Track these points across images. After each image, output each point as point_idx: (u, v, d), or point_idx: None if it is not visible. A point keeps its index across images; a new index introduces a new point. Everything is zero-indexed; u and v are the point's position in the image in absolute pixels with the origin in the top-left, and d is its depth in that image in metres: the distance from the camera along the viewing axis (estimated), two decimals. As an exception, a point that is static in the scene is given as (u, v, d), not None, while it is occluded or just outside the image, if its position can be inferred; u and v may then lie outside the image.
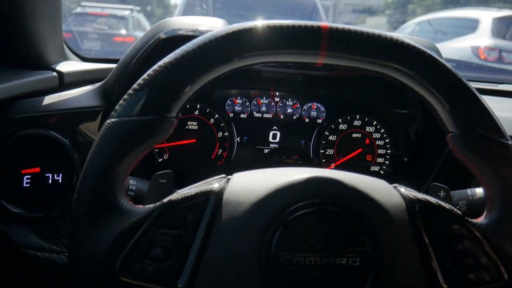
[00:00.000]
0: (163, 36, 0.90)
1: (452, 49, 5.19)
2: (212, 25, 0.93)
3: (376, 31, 0.56)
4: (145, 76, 0.54)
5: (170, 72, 0.53)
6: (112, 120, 0.53)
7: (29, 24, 0.96)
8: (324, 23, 0.55)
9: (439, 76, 0.56)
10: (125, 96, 0.54)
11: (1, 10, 0.93)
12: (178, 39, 0.89)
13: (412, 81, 0.56)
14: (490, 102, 1.24)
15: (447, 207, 0.56)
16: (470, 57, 4.92)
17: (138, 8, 7.63)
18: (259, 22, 0.55)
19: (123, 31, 6.24)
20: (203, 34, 0.55)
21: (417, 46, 0.56)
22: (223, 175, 0.58)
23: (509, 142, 0.57)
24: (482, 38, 5.06)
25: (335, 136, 1.12)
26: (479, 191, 0.82)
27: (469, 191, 0.82)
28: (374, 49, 0.55)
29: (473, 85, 1.38)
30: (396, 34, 0.62)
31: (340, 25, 0.55)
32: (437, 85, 0.56)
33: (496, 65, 4.88)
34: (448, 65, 0.57)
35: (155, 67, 0.54)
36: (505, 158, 0.56)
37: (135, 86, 0.54)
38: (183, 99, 0.54)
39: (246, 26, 0.54)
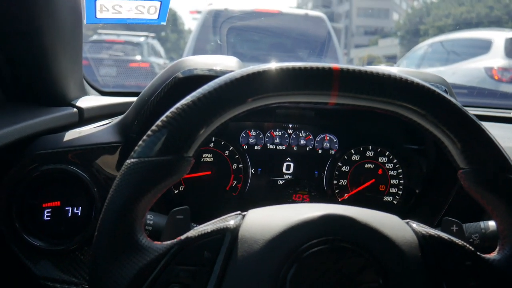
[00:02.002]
0: (180, 75, 0.93)
1: (465, 70, 5.16)
2: (227, 65, 0.96)
3: (387, 71, 0.58)
4: (163, 118, 0.56)
5: (187, 114, 0.55)
6: (132, 160, 0.55)
7: (51, 63, 1.00)
8: (336, 64, 0.57)
9: (449, 115, 0.57)
10: (144, 137, 0.56)
11: (24, 49, 0.98)
12: (194, 79, 0.92)
13: (423, 120, 0.58)
14: (503, 130, 1.25)
15: (460, 243, 0.56)
16: (484, 78, 4.87)
17: (152, 34, 7.74)
18: (272, 65, 0.57)
19: (138, 57, 6.33)
20: (218, 75, 0.57)
21: (427, 85, 0.58)
22: (239, 212, 0.59)
23: None
24: (496, 58, 5.02)
25: (348, 167, 1.13)
26: (492, 223, 0.82)
27: (482, 224, 0.82)
28: (385, 89, 0.57)
29: (485, 112, 1.38)
30: (402, 71, 0.63)
31: (350, 66, 0.57)
32: (448, 123, 0.57)
33: (511, 86, 4.83)
34: (458, 103, 0.58)
35: (173, 109, 0.56)
36: None
37: (153, 127, 0.56)
38: (200, 139, 0.56)
39: (259, 69, 0.56)
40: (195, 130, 0.55)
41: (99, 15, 0.99)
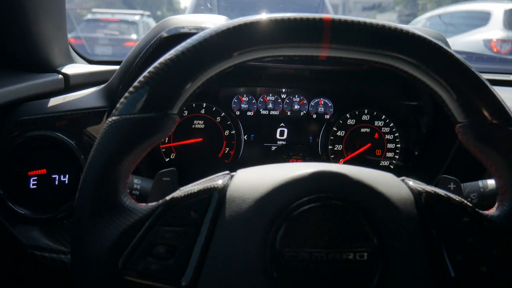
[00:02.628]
0: (165, 34, 0.90)
1: (464, 43, 5.15)
2: (215, 22, 0.93)
3: (380, 21, 0.55)
4: (145, 73, 0.53)
5: (170, 69, 0.52)
6: (113, 118, 0.53)
7: (34, 28, 0.97)
8: (327, 15, 0.54)
9: (444, 64, 0.54)
10: (126, 94, 0.53)
11: (5, 14, 0.94)
12: (180, 37, 0.89)
13: (417, 71, 0.55)
14: (503, 92, 1.23)
15: (457, 199, 0.54)
16: (482, 50, 4.86)
17: (148, 12, 7.69)
18: (260, 16, 0.54)
19: (134, 36, 6.30)
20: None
21: (421, 34, 0.55)
22: (227, 172, 0.57)
23: None
24: (494, 30, 5.01)
25: (344, 132, 1.11)
26: (491, 182, 0.80)
27: (480, 183, 0.80)
28: (377, 40, 0.54)
29: (485, 76, 1.36)
30: (400, 25, 0.60)
31: (342, 17, 0.54)
32: (443, 73, 0.54)
33: (509, 57, 4.83)
34: (454, 53, 0.55)
35: (156, 64, 0.53)
36: None
37: (135, 83, 0.53)
38: (185, 95, 0.54)
39: (246, 20, 0.53)
40: (180, 85, 0.53)
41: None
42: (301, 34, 0.53)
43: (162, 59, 0.53)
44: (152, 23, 7.46)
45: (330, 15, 0.54)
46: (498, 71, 1.53)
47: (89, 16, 5.79)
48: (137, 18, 6.65)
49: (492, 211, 0.56)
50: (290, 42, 0.54)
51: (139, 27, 6.60)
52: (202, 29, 0.88)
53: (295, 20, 0.53)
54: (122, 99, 0.53)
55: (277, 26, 0.53)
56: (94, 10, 6.15)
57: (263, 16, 0.54)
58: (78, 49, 1.26)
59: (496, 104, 0.55)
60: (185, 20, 0.94)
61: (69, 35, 1.17)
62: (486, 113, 0.55)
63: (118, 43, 5.71)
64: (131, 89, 0.53)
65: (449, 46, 0.96)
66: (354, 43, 0.54)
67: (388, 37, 0.54)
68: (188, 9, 4.76)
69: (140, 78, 0.53)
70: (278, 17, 0.54)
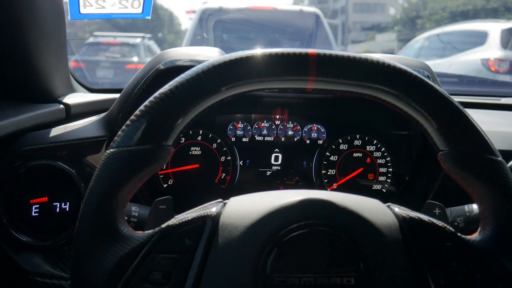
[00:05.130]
0: (161, 67, 0.94)
1: (462, 63, 5.16)
2: (208, 55, 0.96)
3: (364, 55, 0.58)
4: (141, 107, 0.56)
5: (164, 103, 0.55)
6: (112, 150, 0.55)
7: (36, 59, 1.00)
8: (312, 50, 0.57)
9: (424, 95, 0.57)
10: (123, 127, 0.56)
11: (7, 45, 0.98)
12: (175, 70, 0.92)
13: (399, 101, 0.58)
14: (492, 116, 1.26)
15: (440, 224, 0.56)
16: (480, 70, 4.87)
17: (149, 35, 7.73)
18: (247, 52, 0.57)
19: (135, 59, 6.32)
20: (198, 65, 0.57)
21: (399, 66, 0.57)
22: (220, 200, 0.59)
23: (499, 159, 0.58)
24: (492, 50, 5.02)
25: (336, 156, 1.13)
26: (476, 206, 0.82)
27: (466, 207, 0.82)
28: (359, 72, 0.57)
29: (476, 100, 1.39)
30: (385, 57, 0.63)
31: (327, 51, 0.57)
32: (423, 103, 0.57)
33: (507, 76, 4.83)
34: (433, 83, 0.58)
35: (151, 98, 0.56)
36: (495, 174, 0.57)
37: (132, 117, 0.56)
38: (179, 128, 0.56)
39: (234, 56, 0.56)
40: (173, 119, 0.55)
41: (82, 10, 0.99)
42: (288, 68, 0.56)
43: (156, 94, 0.56)
44: (153, 46, 7.51)
45: (315, 50, 0.57)
46: (489, 94, 1.55)
47: (91, 40, 5.83)
48: (138, 40, 6.69)
49: (475, 236, 0.58)
50: (277, 76, 0.56)
51: (141, 49, 6.64)
52: (197, 61, 0.92)
53: (282, 55, 0.56)
54: (119, 132, 0.56)
55: (264, 61, 0.56)
56: (96, 33, 6.19)
57: (251, 51, 0.57)
58: (78, 75, 1.29)
59: (475, 133, 0.57)
60: (180, 53, 0.97)
61: (70, 59, 1.19)
62: (465, 142, 0.57)
63: (120, 65, 5.74)
64: (128, 122, 0.56)
65: (433, 75, 0.99)
66: (338, 76, 0.57)
67: (370, 70, 0.57)
68: (186, 37, 4.81)
69: (136, 112, 0.56)
70: (266, 52, 0.56)
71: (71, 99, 1.10)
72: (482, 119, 1.04)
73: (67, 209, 0.92)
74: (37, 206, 0.91)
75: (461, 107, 0.58)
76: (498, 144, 0.59)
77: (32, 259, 0.90)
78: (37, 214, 0.91)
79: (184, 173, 1.10)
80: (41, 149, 0.92)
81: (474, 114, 0.62)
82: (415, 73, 0.58)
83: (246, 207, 0.56)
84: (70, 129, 0.98)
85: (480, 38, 5.28)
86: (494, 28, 5.28)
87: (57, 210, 0.92)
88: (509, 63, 4.97)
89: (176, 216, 0.57)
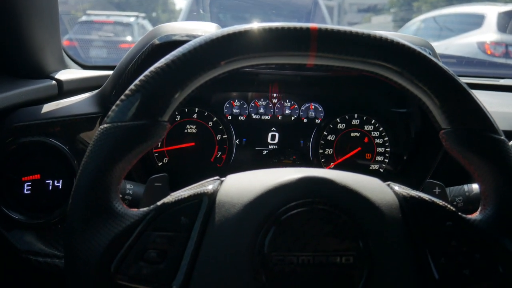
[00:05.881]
0: (157, 42, 0.91)
1: (458, 45, 5.16)
2: (205, 30, 0.94)
3: (366, 30, 0.56)
4: (136, 81, 0.54)
5: (160, 77, 0.54)
6: (105, 125, 0.54)
7: (27, 34, 0.98)
8: (313, 24, 0.55)
9: (427, 72, 0.56)
10: (118, 102, 0.55)
11: None
12: (171, 45, 0.90)
13: (401, 78, 0.56)
14: (491, 97, 1.25)
15: (441, 203, 0.56)
16: (476, 53, 4.89)
17: (143, 14, 7.65)
18: (247, 25, 0.55)
19: (129, 38, 6.27)
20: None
21: (403, 42, 0.56)
22: (217, 177, 0.58)
23: (502, 137, 0.57)
24: (488, 33, 5.03)
25: (334, 136, 1.12)
26: (476, 186, 0.81)
27: (465, 187, 0.82)
28: (362, 48, 0.55)
29: (474, 80, 1.38)
30: (386, 33, 0.61)
31: (329, 26, 0.55)
32: (426, 81, 0.56)
33: (503, 60, 4.84)
34: (437, 60, 0.57)
35: (147, 72, 0.55)
36: (497, 153, 0.56)
37: (127, 91, 0.54)
38: (175, 103, 0.55)
39: (234, 29, 0.55)
40: (169, 94, 0.54)
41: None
42: (288, 43, 0.55)
43: (152, 68, 0.55)
44: (147, 25, 7.45)
45: (316, 24, 0.55)
46: (488, 75, 1.55)
47: (84, 18, 5.77)
48: (132, 19, 6.63)
49: (475, 215, 0.57)
50: (277, 51, 0.55)
51: (134, 28, 6.58)
52: (193, 36, 0.90)
53: (282, 29, 0.54)
54: (113, 107, 0.55)
55: (264, 35, 0.54)
56: (89, 12, 6.13)
57: (251, 25, 0.55)
58: (71, 53, 1.26)
59: (479, 112, 0.57)
60: (176, 27, 0.95)
61: (63, 38, 1.17)
62: (468, 120, 0.56)
63: (113, 45, 5.70)
64: (122, 97, 0.54)
65: (435, 53, 0.98)
66: (340, 52, 0.55)
67: (372, 46, 0.55)
68: (182, 15, 4.75)
69: (131, 86, 0.54)
70: (266, 26, 0.55)
71: (64, 75, 1.08)
72: (482, 100, 1.02)
73: (60, 187, 0.91)
74: (29, 183, 0.89)
75: (464, 85, 0.57)
76: (499, 124, 0.58)
77: (24, 237, 0.89)
78: (29, 191, 0.89)
79: (179, 152, 1.09)
80: (33, 125, 0.90)
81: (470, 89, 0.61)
82: (419, 49, 0.56)
83: (243, 185, 0.55)
84: (63, 105, 0.96)
85: (476, 21, 5.29)
86: (491, 11, 5.29)
87: (50, 188, 0.90)
88: (505, 46, 4.98)
89: (172, 194, 0.56)
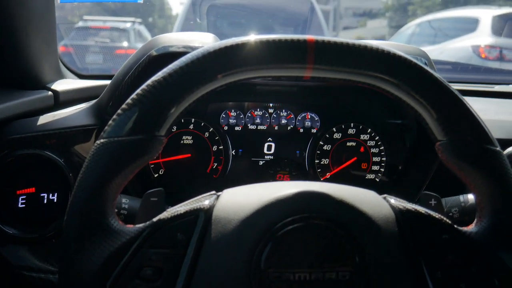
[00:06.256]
0: (154, 53, 0.91)
1: (453, 49, 5.19)
2: (203, 41, 0.94)
3: (363, 42, 0.56)
4: (133, 95, 0.54)
5: (157, 91, 0.54)
6: (102, 140, 0.53)
7: (24, 45, 0.97)
8: (311, 36, 0.55)
9: (424, 84, 0.56)
10: (114, 116, 0.54)
11: None
12: (169, 56, 0.90)
13: (398, 90, 0.56)
14: (487, 104, 1.26)
15: (437, 216, 0.56)
16: (471, 57, 4.90)
17: (139, 20, 7.64)
18: (244, 38, 0.55)
19: (125, 44, 6.25)
20: (193, 51, 0.55)
21: (400, 54, 0.56)
22: (213, 192, 0.58)
23: (497, 149, 0.57)
24: (483, 37, 5.05)
25: (330, 146, 1.12)
26: (471, 197, 0.81)
27: (461, 197, 0.82)
28: (359, 60, 0.55)
29: (470, 87, 1.38)
30: (383, 43, 0.62)
31: (326, 38, 0.55)
32: (423, 93, 0.56)
33: (497, 63, 4.86)
34: (434, 72, 0.57)
35: (143, 86, 0.54)
36: (493, 165, 0.56)
37: (123, 106, 0.54)
38: (172, 117, 0.55)
39: (231, 42, 0.54)
40: (166, 108, 0.54)
41: (73, -6, 0.96)
42: (286, 55, 0.55)
43: (149, 82, 0.54)
44: (144, 31, 7.44)
45: (313, 36, 0.55)
46: (483, 81, 1.55)
47: (80, 24, 5.75)
48: (128, 25, 6.61)
49: (471, 228, 0.57)
50: (274, 64, 0.55)
51: (130, 34, 6.57)
52: (191, 47, 0.90)
53: (279, 41, 0.54)
54: (110, 121, 0.54)
55: (261, 48, 0.54)
56: (85, 17, 6.12)
57: (248, 37, 0.55)
58: (67, 61, 1.26)
59: (475, 123, 0.57)
60: (174, 38, 0.95)
61: (59, 44, 1.17)
62: (464, 132, 0.56)
63: (109, 50, 5.68)
64: (119, 111, 0.54)
65: (430, 62, 0.98)
66: (337, 64, 0.55)
67: (369, 58, 0.55)
68: (178, 22, 4.74)
69: (128, 100, 0.54)
70: (263, 38, 0.55)
71: (60, 85, 1.07)
72: (477, 107, 1.02)
73: (55, 200, 0.90)
74: (24, 197, 0.89)
75: (460, 97, 0.57)
76: (494, 132, 0.58)
77: (18, 252, 0.88)
78: (24, 205, 0.89)
79: (175, 163, 1.09)
80: (29, 137, 0.90)
81: (470, 102, 0.61)
82: (415, 61, 0.56)
83: (240, 200, 0.55)
84: (59, 117, 0.96)
85: (471, 25, 5.31)
86: (485, 14, 5.31)
87: (45, 201, 0.90)
88: (499, 50, 5.00)
89: (168, 210, 0.55)
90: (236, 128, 1.12)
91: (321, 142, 1.12)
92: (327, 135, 1.12)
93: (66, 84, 1.11)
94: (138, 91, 0.54)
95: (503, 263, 0.54)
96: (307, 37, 0.55)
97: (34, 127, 0.92)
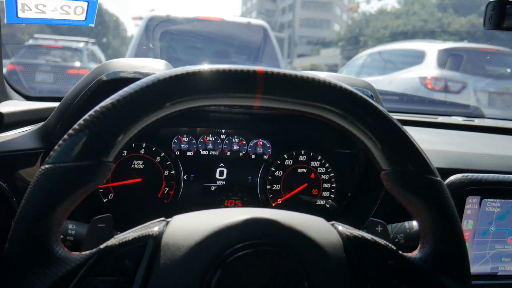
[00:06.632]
0: (104, 78, 0.90)
1: (401, 80, 5.42)
2: (154, 67, 0.94)
3: (310, 74, 0.59)
4: (81, 121, 0.54)
5: (105, 117, 0.53)
6: (47, 166, 0.52)
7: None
8: (260, 67, 0.57)
9: (369, 116, 0.59)
10: (61, 141, 0.53)
11: None
12: (119, 81, 0.89)
13: (344, 121, 0.59)
14: (430, 135, 1.31)
15: (382, 242, 0.58)
16: (418, 87, 5.14)
17: (93, 40, 7.53)
18: (195, 67, 0.56)
19: (77, 64, 6.14)
20: (144, 77, 0.55)
21: (346, 87, 0.59)
22: (163, 218, 0.58)
23: (438, 179, 0.60)
24: (429, 69, 5.31)
25: (281, 172, 1.13)
26: (416, 223, 0.84)
27: (406, 224, 0.85)
28: (306, 92, 0.57)
29: (415, 118, 1.44)
30: (330, 75, 0.64)
31: (275, 70, 0.57)
32: (367, 124, 0.59)
33: (442, 94, 5.10)
34: (378, 105, 0.60)
35: (92, 112, 0.54)
36: (434, 194, 0.59)
37: (70, 131, 0.53)
38: (120, 144, 0.54)
39: (181, 71, 0.55)
40: (114, 134, 0.53)
41: (20, 14, 0.94)
42: (235, 85, 0.56)
43: (97, 107, 0.54)
44: (97, 51, 7.34)
45: (263, 68, 0.57)
46: (427, 112, 1.63)
47: (31, 42, 5.60)
48: (81, 45, 6.50)
49: (415, 253, 0.60)
50: (224, 93, 0.56)
51: (83, 54, 6.46)
52: (141, 73, 0.90)
53: (229, 71, 0.56)
54: (56, 147, 0.53)
55: (211, 77, 0.55)
56: (36, 35, 5.97)
57: (198, 67, 0.56)
58: (14, 81, 1.22)
59: (416, 154, 0.60)
60: (125, 64, 0.94)
61: (8, 61, 1.13)
62: (407, 162, 0.59)
63: (61, 70, 5.54)
64: (65, 136, 0.53)
65: (376, 95, 1.02)
66: (286, 95, 0.57)
67: (317, 90, 0.57)
68: (132, 45, 4.72)
69: (75, 125, 0.54)
70: (213, 68, 0.56)
71: (5, 107, 1.04)
72: (421, 137, 1.08)
73: (-3, 226, 0.86)
74: (-37, 222, 0.85)
75: (403, 129, 0.60)
76: (436, 162, 0.62)
77: None
78: (-38, 231, 0.84)
79: (125, 187, 1.07)
80: None
81: (414, 132, 0.64)
82: (360, 94, 0.59)
83: (189, 226, 0.55)
84: (3, 139, 0.92)
85: (418, 57, 5.58)
86: (431, 48, 5.60)
87: (-15, 227, 0.86)
88: (444, 81, 5.27)
89: (116, 236, 0.54)
90: (188, 153, 1.11)
91: (272, 168, 1.13)
92: (278, 161, 1.14)
93: (11, 105, 1.07)
94: (86, 116, 0.54)
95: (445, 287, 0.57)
96: (257, 68, 0.56)
97: None
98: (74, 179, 0.52)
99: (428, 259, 0.58)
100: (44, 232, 0.51)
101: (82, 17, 1.00)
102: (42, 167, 0.52)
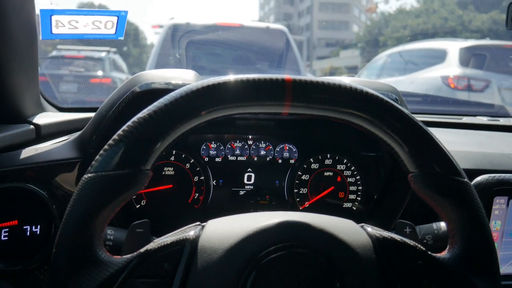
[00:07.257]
0: (137, 89, 0.94)
1: (423, 79, 5.34)
2: (184, 78, 0.97)
3: (337, 81, 0.61)
4: (120, 131, 0.57)
5: (143, 128, 0.56)
6: (89, 175, 0.56)
7: (7, 80, 0.98)
8: (288, 75, 0.59)
9: (396, 120, 0.60)
10: (101, 152, 0.57)
11: None
12: (151, 93, 0.93)
13: (372, 126, 0.61)
14: (455, 136, 1.31)
15: (411, 243, 0.59)
16: (440, 86, 5.05)
17: (114, 49, 7.65)
18: (226, 77, 0.59)
19: (100, 73, 6.24)
20: (175, 88, 0.58)
21: (373, 92, 0.60)
22: (198, 223, 0.60)
23: (465, 180, 0.61)
24: (451, 67, 5.22)
25: (308, 176, 1.15)
26: (444, 224, 0.85)
27: (434, 225, 0.86)
28: (335, 99, 0.59)
29: (439, 119, 1.44)
30: (355, 81, 0.66)
31: (302, 77, 0.60)
32: (395, 128, 0.60)
33: (466, 93, 5.01)
34: (404, 109, 0.61)
35: (130, 122, 0.57)
36: (461, 195, 0.60)
37: (110, 141, 0.56)
38: (158, 152, 0.57)
39: (213, 82, 0.58)
40: (152, 143, 0.56)
41: (55, 30, 0.99)
42: (265, 93, 0.59)
43: (135, 118, 0.57)
44: (118, 59, 7.45)
45: (291, 76, 0.59)
46: (451, 113, 1.62)
47: (54, 53, 5.72)
48: (103, 54, 6.61)
49: (444, 254, 0.61)
50: (255, 101, 0.59)
51: (105, 63, 6.56)
52: (173, 84, 0.93)
53: (259, 80, 0.58)
54: (97, 157, 0.56)
55: (242, 87, 0.58)
56: (60, 46, 6.08)
57: (229, 77, 0.59)
58: (48, 96, 1.27)
59: (443, 156, 0.61)
60: (156, 75, 0.97)
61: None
62: (434, 165, 0.61)
63: (84, 80, 5.64)
64: (106, 146, 0.57)
65: (401, 98, 1.03)
66: (313, 102, 0.59)
67: (344, 96, 0.60)
68: (153, 53, 4.77)
69: (115, 136, 0.57)
70: (244, 78, 0.59)
71: (41, 119, 1.08)
72: (447, 139, 1.08)
73: (38, 232, 0.90)
74: (7, 230, 0.89)
75: (429, 131, 0.61)
76: (462, 163, 0.63)
77: (2, 285, 0.87)
78: (6, 238, 0.88)
79: (157, 193, 1.10)
80: (11, 171, 0.90)
81: (439, 134, 0.65)
82: (387, 99, 0.61)
83: (224, 230, 0.58)
84: (41, 150, 0.96)
85: (439, 56, 5.48)
86: (452, 46, 5.49)
87: (28, 234, 0.89)
88: (467, 80, 5.18)
89: (155, 240, 0.57)
90: (217, 159, 1.14)
91: (299, 172, 1.15)
92: (305, 166, 1.15)
93: (47, 117, 1.11)
94: (124, 127, 0.57)
95: (474, 287, 0.58)
96: (285, 76, 0.59)
97: (16, 160, 0.92)
98: (115, 186, 0.55)
99: (457, 259, 0.59)
100: (88, 237, 0.54)
101: (112, 31, 1.04)
102: (85, 176, 0.56)
